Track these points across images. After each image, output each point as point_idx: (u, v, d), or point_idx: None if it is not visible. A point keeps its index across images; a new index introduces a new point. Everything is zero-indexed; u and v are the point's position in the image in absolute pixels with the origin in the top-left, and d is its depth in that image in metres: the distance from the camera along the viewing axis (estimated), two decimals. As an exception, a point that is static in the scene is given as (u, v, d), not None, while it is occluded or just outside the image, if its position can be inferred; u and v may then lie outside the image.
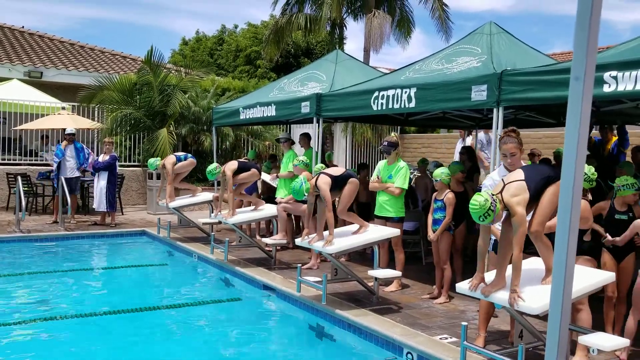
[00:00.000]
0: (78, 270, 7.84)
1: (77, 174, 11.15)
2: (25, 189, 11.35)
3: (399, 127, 16.55)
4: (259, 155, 11.36)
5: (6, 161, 13.57)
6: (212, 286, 7.58)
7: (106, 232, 10.34)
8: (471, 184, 7.99)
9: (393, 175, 6.44)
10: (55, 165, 11.11)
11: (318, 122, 8.04)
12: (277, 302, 6.46)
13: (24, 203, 10.13)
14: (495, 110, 5.50)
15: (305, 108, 8.03)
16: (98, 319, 5.62)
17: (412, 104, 6.28)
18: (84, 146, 11.67)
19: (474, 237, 7.39)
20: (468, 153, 8.52)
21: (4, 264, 7.99)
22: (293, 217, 9.12)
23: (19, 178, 10.34)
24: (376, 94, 6.75)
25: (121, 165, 14.21)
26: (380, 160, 6.86)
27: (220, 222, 8.54)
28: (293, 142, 9.16)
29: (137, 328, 5.55)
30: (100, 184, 10.97)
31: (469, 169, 8.02)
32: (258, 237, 9.37)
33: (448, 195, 5.95)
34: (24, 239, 9.35)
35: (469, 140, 12.22)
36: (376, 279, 6.00)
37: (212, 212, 8.91)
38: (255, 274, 7.10)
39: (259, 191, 10.39)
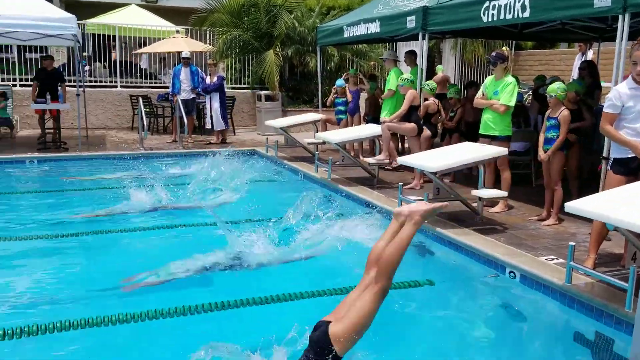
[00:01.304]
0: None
1: (192, 95, 11.72)
2: (147, 110, 12.16)
3: (513, 42, 15.52)
4: (364, 75, 11.22)
5: (129, 84, 14.53)
6: (316, 203, 7.80)
7: (219, 150, 10.89)
8: (591, 101, 7.42)
9: (499, 92, 6.13)
10: (170, 88, 11.76)
11: (424, 37, 7.74)
12: (379, 220, 6.56)
13: (145, 123, 10.89)
14: (620, 17, 4.96)
15: (411, 23, 7.73)
16: (209, 228, 6.01)
17: (526, 14, 5.82)
18: (198, 69, 12.17)
19: (592, 158, 6.95)
20: (589, 68, 7.86)
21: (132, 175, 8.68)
22: (398, 136, 9.06)
23: (141, 100, 11.07)
24: (487, 3, 6.31)
25: (232, 88, 14.73)
26: (491, 78, 6.50)
27: (324, 142, 8.68)
28: (398, 60, 8.93)
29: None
30: (212, 104, 11.50)
31: (589, 85, 7.43)
32: (362, 158, 9.45)
33: (563, 113, 5.57)
34: (147, 156, 10.12)
35: (590, 54, 11.21)
36: (480, 198, 5.87)
37: (317, 133, 9.06)
38: (357, 192, 7.22)
39: (362, 113, 10.35)
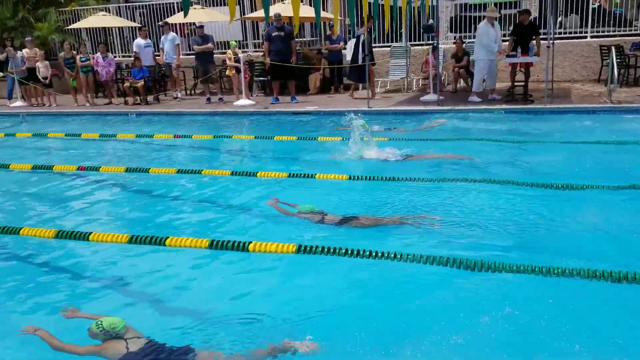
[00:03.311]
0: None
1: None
2: (618, 60, 11.39)
3: None
4: None
5: (599, 33, 13.79)
6: None
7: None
8: None
9: None
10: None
11: None
12: None
13: (616, 74, 10.27)
14: None
15: None
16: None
17: None
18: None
19: None
20: None
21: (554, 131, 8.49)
22: None
23: (613, 49, 10.44)
24: None
25: None
26: None
27: None
28: None
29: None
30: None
31: None
32: None
33: None
34: (614, 110, 9.59)
35: None
36: None
37: None
38: None
39: None
